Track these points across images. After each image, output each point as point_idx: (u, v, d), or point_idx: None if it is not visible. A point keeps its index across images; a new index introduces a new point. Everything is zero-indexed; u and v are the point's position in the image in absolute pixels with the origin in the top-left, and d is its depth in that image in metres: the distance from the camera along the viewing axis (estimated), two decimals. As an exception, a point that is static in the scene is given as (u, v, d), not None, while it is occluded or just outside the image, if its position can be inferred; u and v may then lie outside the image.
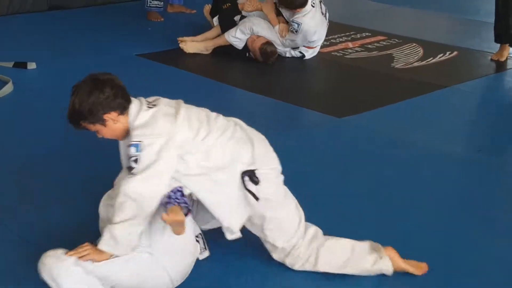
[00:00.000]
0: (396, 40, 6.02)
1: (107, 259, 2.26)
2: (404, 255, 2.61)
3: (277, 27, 5.20)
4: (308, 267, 2.55)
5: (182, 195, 2.31)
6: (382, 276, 2.57)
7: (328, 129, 4.04)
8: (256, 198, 2.45)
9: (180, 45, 5.35)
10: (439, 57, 5.55)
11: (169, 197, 2.29)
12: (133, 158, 2.26)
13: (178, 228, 2.25)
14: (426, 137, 3.93)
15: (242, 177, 2.44)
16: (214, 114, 2.56)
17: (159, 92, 4.48)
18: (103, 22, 6.29)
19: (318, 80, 5.14)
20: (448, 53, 5.67)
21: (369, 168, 3.53)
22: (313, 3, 5.15)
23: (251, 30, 5.19)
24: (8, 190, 3.14)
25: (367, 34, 6.19)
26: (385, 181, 3.38)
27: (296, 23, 5.11)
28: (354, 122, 4.13)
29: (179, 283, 2.41)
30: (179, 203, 2.29)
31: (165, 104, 2.43)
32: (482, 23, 6.55)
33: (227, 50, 5.31)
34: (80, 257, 2.23)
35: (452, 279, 2.60)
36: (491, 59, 5.25)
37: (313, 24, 5.16)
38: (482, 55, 5.70)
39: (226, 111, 4.33)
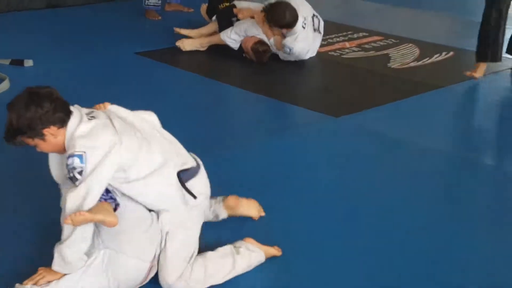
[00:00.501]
0: (393, 40, 6.04)
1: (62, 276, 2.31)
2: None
3: (271, 40, 5.19)
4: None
5: (108, 191, 2.33)
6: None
7: (324, 128, 4.06)
8: (194, 196, 2.46)
9: (177, 43, 5.37)
10: (435, 58, 5.58)
11: None
12: (78, 170, 2.21)
13: (108, 220, 2.27)
14: (421, 137, 3.95)
15: (179, 176, 2.43)
16: (138, 120, 2.51)
17: (156, 89, 4.58)
18: (100, 20, 6.30)
19: (314, 79, 5.16)
20: (444, 53, 5.70)
21: (364, 167, 3.55)
22: (304, 24, 5.06)
23: (245, 32, 5.19)
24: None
25: (364, 34, 6.21)
26: (380, 180, 3.40)
27: (288, 47, 5.09)
28: (350, 122, 4.15)
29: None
30: (106, 199, 2.31)
31: (103, 117, 2.38)
32: (478, 23, 6.57)
33: (224, 49, 5.32)
34: (35, 283, 2.27)
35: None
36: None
37: (305, 45, 5.15)
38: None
39: (222, 110, 4.41)
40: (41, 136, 2.27)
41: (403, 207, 3.14)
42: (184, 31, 5.48)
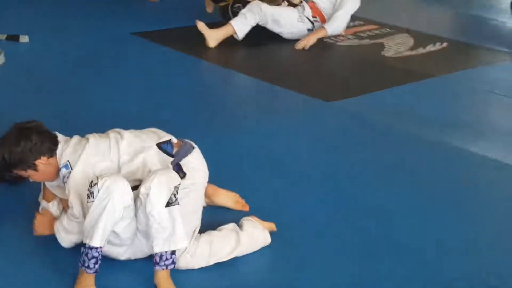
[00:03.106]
0: (388, 30, 6.08)
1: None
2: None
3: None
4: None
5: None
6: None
7: (314, 112, 4.10)
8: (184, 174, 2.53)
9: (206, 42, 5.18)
10: (429, 48, 5.61)
11: None
12: (67, 176, 2.42)
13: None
14: (411, 125, 3.99)
15: (160, 148, 2.53)
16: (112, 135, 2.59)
17: (148, 69, 4.61)
18: (99, 1, 6.31)
19: (307, 64, 5.19)
20: (438, 44, 5.73)
21: (351, 151, 3.59)
22: None
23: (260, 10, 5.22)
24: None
25: (359, 22, 6.24)
26: (365, 164, 3.45)
27: None
28: (341, 106, 4.19)
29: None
30: None
31: (74, 138, 2.55)
32: (474, 17, 6.62)
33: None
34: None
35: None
36: None
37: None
38: (472, 48, 5.77)
39: (213, 92, 4.44)
40: (33, 167, 2.45)
41: (388, 192, 3.19)
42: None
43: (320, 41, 5.51)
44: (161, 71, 4.67)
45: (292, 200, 3.02)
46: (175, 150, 2.56)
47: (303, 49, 5.32)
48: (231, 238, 2.56)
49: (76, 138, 2.54)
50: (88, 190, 2.29)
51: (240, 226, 2.65)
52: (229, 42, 5.21)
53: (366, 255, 2.67)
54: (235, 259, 2.54)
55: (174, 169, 2.48)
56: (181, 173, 2.51)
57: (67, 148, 2.47)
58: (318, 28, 5.47)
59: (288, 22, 5.39)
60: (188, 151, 2.58)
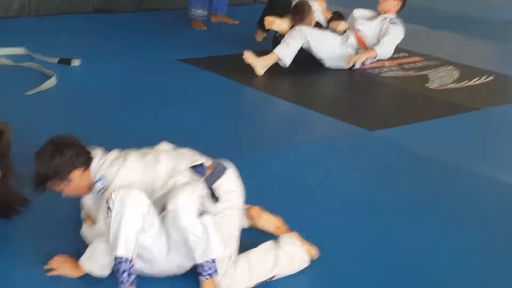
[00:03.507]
0: (433, 62, 6.07)
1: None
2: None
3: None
4: None
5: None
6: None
7: (356, 140, 4.11)
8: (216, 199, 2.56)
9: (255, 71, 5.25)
10: (475, 81, 5.58)
11: None
12: (102, 191, 2.49)
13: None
14: (453, 156, 3.97)
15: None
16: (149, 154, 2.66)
17: (194, 94, 4.70)
18: (146, 27, 6.49)
19: (351, 94, 5.22)
20: (484, 77, 5.70)
21: (393, 181, 3.59)
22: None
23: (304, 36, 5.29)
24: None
25: (404, 54, 6.25)
26: (403, 194, 3.43)
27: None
28: (383, 136, 4.20)
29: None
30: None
31: (116, 151, 2.62)
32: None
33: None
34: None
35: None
36: None
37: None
38: (519, 81, 5.74)
39: (257, 117, 4.49)
40: (67, 180, 2.51)
41: (427, 222, 3.17)
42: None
43: (364, 72, 5.55)
44: (205, 95, 4.75)
45: (328, 228, 3.01)
46: (208, 173, 2.59)
47: (353, 65, 5.43)
48: (269, 256, 2.55)
49: (114, 153, 2.59)
50: (105, 206, 2.35)
51: (278, 242, 2.64)
52: (275, 70, 5.28)
53: None
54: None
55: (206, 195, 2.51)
56: (214, 199, 2.54)
57: (104, 163, 2.53)
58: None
59: (329, 45, 5.44)
60: (220, 173, 2.61)
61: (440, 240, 3.01)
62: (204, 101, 4.64)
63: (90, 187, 2.56)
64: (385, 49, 5.52)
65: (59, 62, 5.02)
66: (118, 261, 2.31)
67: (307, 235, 2.77)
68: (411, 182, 3.59)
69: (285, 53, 5.27)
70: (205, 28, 6.61)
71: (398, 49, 6.04)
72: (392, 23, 5.53)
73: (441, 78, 5.60)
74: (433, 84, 5.43)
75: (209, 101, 4.65)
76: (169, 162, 2.57)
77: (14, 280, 2.48)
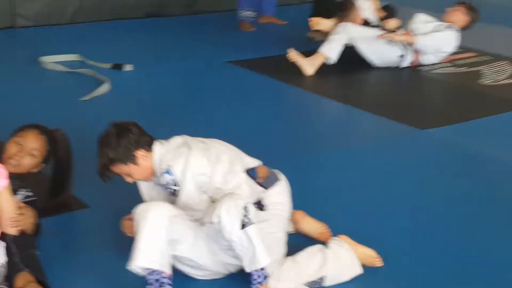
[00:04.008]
0: (487, 58, 5.95)
1: None
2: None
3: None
4: None
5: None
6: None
7: (407, 139, 4.07)
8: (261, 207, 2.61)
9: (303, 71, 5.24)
10: (530, 76, 5.46)
11: None
12: (172, 183, 2.53)
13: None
14: (509, 153, 3.89)
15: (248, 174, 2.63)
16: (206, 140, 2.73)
17: (245, 96, 4.73)
18: (195, 30, 6.54)
19: (401, 91, 5.17)
20: (540, 72, 5.57)
21: (444, 181, 3.54)
22: None
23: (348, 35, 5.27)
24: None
25: (457, 50, 6.13)
26: (461, 195, 3.38)
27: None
28: (435, 134, 4.14)
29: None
30: None
31: (178, 138, 2.67)
32: None
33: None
34: None
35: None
36: None
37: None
38: None
39: (303, 117, 4.48)
40: (134, 160, 2.55)
41: (480, 222, 3.12)
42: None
43: (415, 69, 5.48)
44: (255, 97, 4.78)
45: (380, 231, 2.98)
46: (260, 178, 2.63)
47: (389, 40, 5.35)
48: (316, 257, 2.54)
49: (176, 140, 2.63)
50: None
51: (326, 245, 2.63)
52: (323, 70, 5.25)
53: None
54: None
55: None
56: (260, 205, 2.59)
57: (168, 152, 2.56)
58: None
59: (375, 43, 5.37)
60: (271, 183, 2.65)
61: (504, 240, 2.95)
62: (254, 102, 4.66)
63: (152, 171, 2.60)
64: (428, 41, 5.37)
65: (112, 67, 5.12)
66: (145, 270, 2.36)
67: (361, 239, 2.73)
68: (469, 182, 3.53)
69: (330, 48, 5.24)
70: (254, 29, 6.63)
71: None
72: (448, 27, 5.42)
73: (495, 74, 5.49)
74: (486, 80, 5.32)
75: (258, 103, 4.67)
76: (226, 164, 2.60)
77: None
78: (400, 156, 3.86)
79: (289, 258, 2.55)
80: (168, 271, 2.37)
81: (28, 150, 2.69)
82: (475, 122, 4.40)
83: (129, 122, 2.62)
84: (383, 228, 3.00)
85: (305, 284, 2.48)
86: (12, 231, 2.27)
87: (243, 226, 2.35)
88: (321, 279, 2.50)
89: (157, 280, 2.34)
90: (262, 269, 2.38)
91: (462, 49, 6.14)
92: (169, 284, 2.36)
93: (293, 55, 5.19)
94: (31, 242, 2.47)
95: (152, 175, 2.62)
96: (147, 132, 2.63)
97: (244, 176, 2.61)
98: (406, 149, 3.96)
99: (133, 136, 2.55)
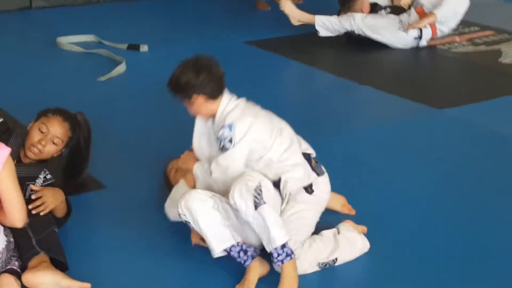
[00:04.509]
0: (506, 35, 5.87)
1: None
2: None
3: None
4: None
5: None
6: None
7: (426, 119, 4.04)
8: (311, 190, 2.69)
9: (281, 2, 5.44)
10: (550, 54, 5.38)
11: None
12: (228, 139, 2.55)
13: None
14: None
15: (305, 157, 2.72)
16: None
17: (263, 76, 4.71)
18: (212, 10, 6.51)
19: (420, 71, 5.11)
20: (560, 50, 5.48)
21: (463, 160, 3.51)
22: None
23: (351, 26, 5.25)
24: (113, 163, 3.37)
25: (475, 28, 6.06)
26: (483, 173, 3.35)
27: None
28: (454, 114, 4.10)
29: None
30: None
31: (245, 100, 2.71)
32: None
33: (328, 39, 5.38)
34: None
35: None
36: None
37: None
38: None
39: (321, 98, 4.46)
40: (190, 100, 2.61)
41: (498, 203, 3.08)
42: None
43: (433, 48, 5.42)
44: (272, 77, 4.76)
45: (398, 210, 2.99)
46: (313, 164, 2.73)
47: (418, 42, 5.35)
48: (331, 241, 2.59)
49: (244, 101, 2.68)
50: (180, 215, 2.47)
51: (337, 230, 2.68)
52: (340, 49, 5.23)
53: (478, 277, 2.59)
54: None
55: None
56: (310, 189, 2.66)
57: (236, 109, 2.61)
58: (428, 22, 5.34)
59: (387, 31, 5.32)
60: (321, 172, 2.75)
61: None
62: (270, 82, 4.64)
63: (210, 116, 2.66)
64: (445, 10, 5.30)
65: (128, 48, 5.12)
66: (228, 253, 2.42)
67: (377, 219, 2.79)
68: (487, 162, 3.49)
69: (323, 24, 5.31)
70: (269, 8, 6.58)
71: (468, 23, 5.88)
72: None
73: (515, 52, 5.42)
74: (506, 59, 5.25)
75: (275, 83, 4.65)
76: (287, 140, 2.66)
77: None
78: (417, 136, 3.83)
79: (307, 240, 2.58)
80: (241, 240, 2.44)
81: (51, 138, 2.72)
82: (495, 101, 4.34)
83: (208, 64, 2.64)
84: (398, 209, 2.99)
85: (317, 265, 2.53)
86: (20, 225, 2.25)
87: (256, 207, 2.37)
88: (333, 261, 2.56)
89: (239, 251, 2.41)
90: (283, 246, 2.38)
91: (480, 27, 6.08)
92: (249, 248, 2.42)
93: (285, 5, 5.35)
94: (47, 222, 2.49)
95: (209, 117, 2.68)
96: (220, 78, 2.64)
97: (301, 158, 2.67)
98: (423, 129, 3.93)
99: (198, 81, 2.58)
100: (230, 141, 2.55)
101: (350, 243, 2.61)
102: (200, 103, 2.62)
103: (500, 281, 2.53)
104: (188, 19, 6.15)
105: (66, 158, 2.90)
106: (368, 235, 2.69)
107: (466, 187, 3.22)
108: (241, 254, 2.40)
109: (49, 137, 2.71)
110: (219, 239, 2.41)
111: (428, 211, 3.00)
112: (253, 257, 2.40)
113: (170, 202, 2.70)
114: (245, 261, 2.40)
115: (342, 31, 5.34)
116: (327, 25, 5.32)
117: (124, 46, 5.13)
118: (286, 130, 2.70)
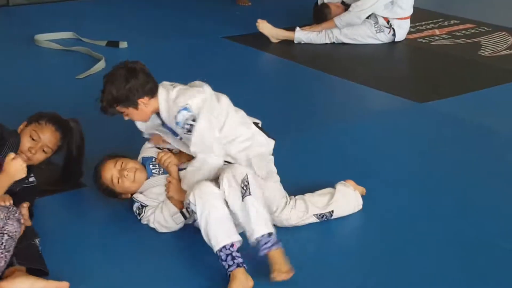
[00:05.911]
0: (485, 28, 5.90)
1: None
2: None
3: None
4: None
5: None
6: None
7: (407, 114, 4.04)
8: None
9: (258, 24, 5.37)
10: (530, 46, 5.41)
11: None
12: (190, 119, 2.54)
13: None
14: (508, 125, 3.86)
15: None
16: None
17: (243, 72, 4.68)
18: (191, 6, 6.47)
19: (400, 65, 5.13)
20: (540, 42, 5.52)
21: (445, 154, 3.51)
22: None
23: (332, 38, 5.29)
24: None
25: (455, 21, 6.09)
26: (466, 165, 3.37)
27: None
28: (435, 107, 4.11)
29: None
30: None
31: (183, 84, 2.73)
32: None
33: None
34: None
35: None
36: None
37: None
38: None
39: (302, 92, 4.45)
40: (135, 106, 2.59)
41: (484, 194, 3.10)
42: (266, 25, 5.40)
43: (413, 41, 5.43)
44: (252, 73, 4.73)
45: (382, 202, 3.00)
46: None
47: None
48: (326, 196, 2.79)
49: (178, 84, 2.68)
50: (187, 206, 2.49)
51: (334, 187, 2.86)
52: (321, 45, 5.21)
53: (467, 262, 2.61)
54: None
55: None
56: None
57: (180, 92, 2.59)
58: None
59: (366, 37, 5.33)
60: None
61: (502, 209, 2.95)
62: (251, 78, 4.62)
63: (153, 113, 2.65)
64: (345, 17, 5.27)
65: (107, 45, 5.07)
66: (219, 251, 2.38)
67: (363, 211, 2.85)
68: (472, 153, 3.51)
69: (301, 40, 5.32)
70: (250, 4, 6.56)
71: (448, 17, 5.89)
72: None
73: (495, 45, 5.44)
74: (486, 51, 5.28)
75: (256, 78, 4.63)
76: (239, 114, 2.73)
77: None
78: (399, 130, 3.83)
79: (302, 196, 2.77)
80: (238, 239, 2.45)
81: (42, 146, 2.69)
82: (475, 94, 4.37)
83: (138, 66, 2.63)
84: (382, 201, 3.01)
85: (313, 215, 2.72)
86: None
87: (242, 197, 2.41)
88: (330, 213, 2.75)
89: (228, 254, 2.36)
90: (269, 235, 2.39)
91: (460, 20, 6.10)
92: (237, 255, 2.39)
93: (262, 27, 5.30)
94: (26, 233, 2.45)
95: (148, 118, 2.68)
96: (152, 77, 2.64)
97: (256, 128, 2.73)
98: (405, 123, 3.93)
99: (139, 84, 2.57)
100: (194, 119, 2.55)
101: (346, 199, 2.80)
102: (145, 105, 2.61)
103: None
104: (167, 15, 6.11)
105: (62, 166, 2.90)
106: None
107: (449, 179, 3.23)
108: (229, 258, 2.35)
109: (40, 146, 2.69)
110: (227, 234, 2.39)
111: (409, 203, 3.01)
112: (238, 265, 2.35)
113: (165, 208, 2.68)
114: (229, 266, 2.35)
115: (318, 42, 5.35)
116: (306, 40, 5.32)
117: (103, 43, 5.08)
118: (231, 106, 2.73)
